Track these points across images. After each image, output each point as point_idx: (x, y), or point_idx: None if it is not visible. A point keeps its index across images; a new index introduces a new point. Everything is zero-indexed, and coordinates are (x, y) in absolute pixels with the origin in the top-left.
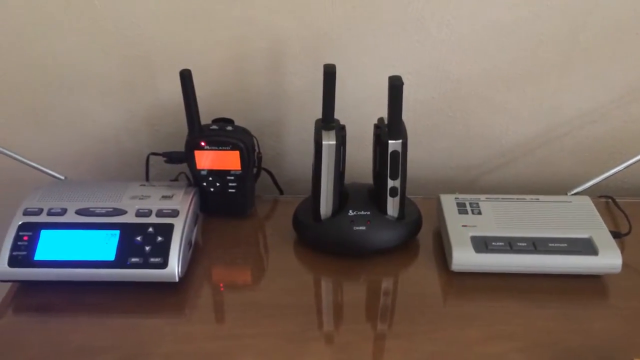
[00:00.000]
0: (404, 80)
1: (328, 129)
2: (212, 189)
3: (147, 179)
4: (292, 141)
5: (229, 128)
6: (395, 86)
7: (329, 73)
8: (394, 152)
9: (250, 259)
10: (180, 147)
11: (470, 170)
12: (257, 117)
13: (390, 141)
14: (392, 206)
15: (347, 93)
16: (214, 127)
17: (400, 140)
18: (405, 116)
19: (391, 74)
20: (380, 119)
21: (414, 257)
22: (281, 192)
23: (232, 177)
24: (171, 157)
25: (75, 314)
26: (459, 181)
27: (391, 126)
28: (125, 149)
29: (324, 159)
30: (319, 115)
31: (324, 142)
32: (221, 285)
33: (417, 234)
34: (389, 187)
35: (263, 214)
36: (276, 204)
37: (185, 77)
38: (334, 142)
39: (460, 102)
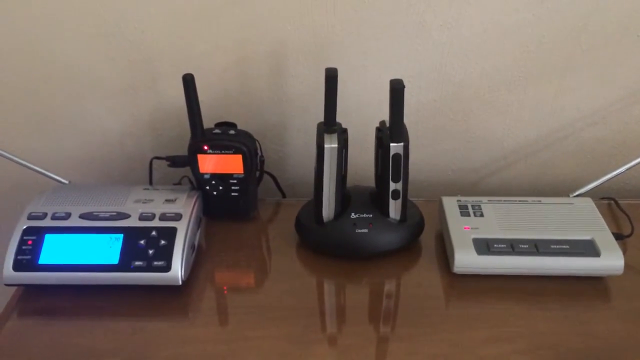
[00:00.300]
0: (406, 83)
1: (330, 132)
2: (215, 193)
3: (151, 182)
4: (295, 144)
5: (232, 132)
6: (397, 89)
7: (331, 76)
8: (396, 155)
9: (253, 262)
10: (183, 151)
11: (472, 173)
12: (259, 121)
13: (392, 144)
14: (394, 209)
15: (349, 96)
16: (217, 131)
17: (402, 143)
18: (407, 119)
19: (392, 77)
20: (382, 122)
21: (416, 259)
22: (284, 195)
23: (235, 181)
24: (174, 161)
25: (79, 318)
26: (460, 183)
27: (393, 129)
28: (129, 153)
29: (326, 162)
30: (321, 119)
31: (326, 145)
32: (224, 288)
33: (419, 236)
34: (391, 189)
35: (266, 217)
36: (279, 207)
37: (188, 82)
38: (336, 145)
39: (461, 104)
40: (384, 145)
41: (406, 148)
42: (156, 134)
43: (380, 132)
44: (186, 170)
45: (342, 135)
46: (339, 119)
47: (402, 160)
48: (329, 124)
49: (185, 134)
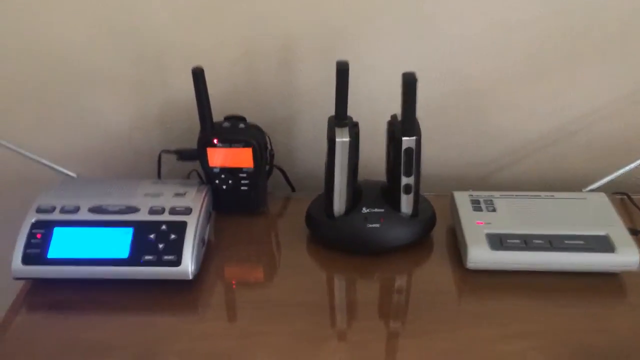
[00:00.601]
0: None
1: (341, 125)
2: (224, 187)
3: (159, 176)
4: (304, 138)
5: (241, 125)
6: (409, 82)
7: (342, 70)
8: (408, 149)
9: (263, 257)
10: (192, 144)
11: (483, 167)
12: (268, 115)
13: (404, 138)
14: (406, 203)
15: (359, 89)
16: (226, 124)
17: (415, 137)
18: (417, 113)
19: (402, 71)
20: (394, 116)
21: (428, 254)
22: (293, 190)
23: (245, 175)
24: (183, 155)
25: (89, 312)
26: (471, 178)
27: (405, 123)
28: (137, 146)
29: (337, 156)
30: (331, 112)
31: (337, 139)
32: (234, 283)
33: (430, 231)
34: (402, 184)
35: (275, 211)
36: (288, 201)
37: (198, 75)
38: (347, 139)
39: (471, 98)
40: (395, 139)
41: (418, 142)
42: (165, 127)
43: (392, 126)
44: (195, 164)
45: (354, 129)
46: (349, 112)
47: (414, 154)
48: (340, 118)
49: (194, 127)
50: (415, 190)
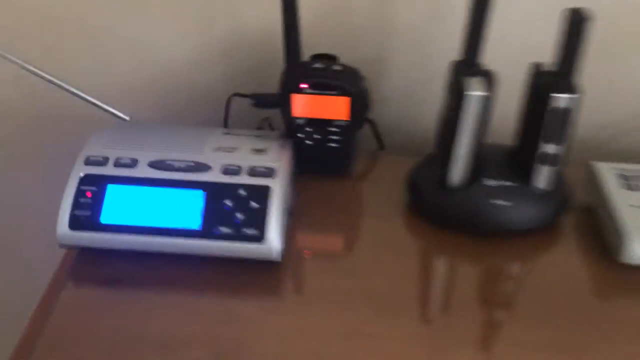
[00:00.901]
0: (546, 16)
1: (474, 74)
2: (309, 142)
3: (226, 124)
4: (395, 85)
5: (336, 67)
6: (578, 22)
7: (482, 2)
8: (562, 110)
9: (356, 233)
10: (261, 87)
11: (600, 130)
12: (355, 55)
13: (558, 94)
14: (544, 177)
15: None
16: (317, 65)
17: (575, 95)
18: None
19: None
20: (537, 65)
21: (559, 240)
22: (381, 147)
23: (336, 129)
24: (260, 100)
25: (150, 294)
26: (586, 142)
27: (562, 75)
28: (197, 86)
29: (468, 114)
30: (431, 56)
31: (469, 92)
32: (325, 266)
33: (566, 211)
34: (543, 152)
35: (362, 172)
36: (376, 161)
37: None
38: (484, 94)
39: (607, 45)
40: (543, 94)
41: (577, 102)
42: (230, 64)
43: (535, 78)
44: (270, 112)
45: (489, 80)
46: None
47: (569, 117)
48: (471, 65)
49: (266, 66)
50: (561, 162)
